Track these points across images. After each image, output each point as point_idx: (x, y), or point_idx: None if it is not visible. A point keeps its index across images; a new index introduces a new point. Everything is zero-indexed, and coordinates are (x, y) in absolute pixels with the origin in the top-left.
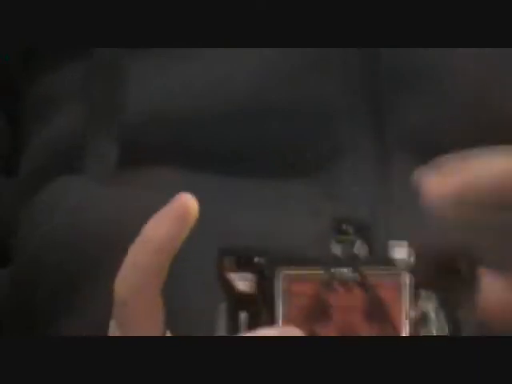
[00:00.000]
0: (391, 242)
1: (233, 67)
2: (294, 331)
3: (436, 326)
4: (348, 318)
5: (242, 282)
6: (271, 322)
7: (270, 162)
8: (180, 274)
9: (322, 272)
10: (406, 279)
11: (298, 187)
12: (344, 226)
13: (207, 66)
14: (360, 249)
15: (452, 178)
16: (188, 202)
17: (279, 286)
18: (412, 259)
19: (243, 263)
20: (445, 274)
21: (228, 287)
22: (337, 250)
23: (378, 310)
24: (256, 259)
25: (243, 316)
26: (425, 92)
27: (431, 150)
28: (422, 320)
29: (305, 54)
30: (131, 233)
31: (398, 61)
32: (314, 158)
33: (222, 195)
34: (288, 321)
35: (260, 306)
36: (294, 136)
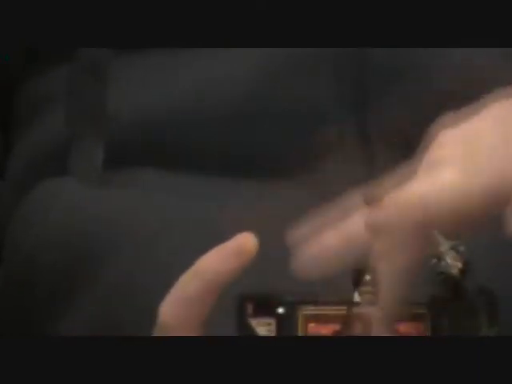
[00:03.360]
0: None
1: (224, 69)
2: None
3: None
4: None
5: (263, 328)
6: None
7: (259, 163)
8: None
9: (342, 312)
10: (428, 320)
11: (285, 187)
12: (367, 277)
13: (198, 67)
14: None
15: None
16: (246, 242)
17: (298, 328)
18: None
19: (264, 308)
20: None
21: (248, 333)
22: (359, 298)
23: None
24: (277, 303)
25: None
26: (413, 92)
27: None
28: None
29: (293, 56)
30: (125, 233)
31: (385, 61)
32: (301, 158)
33: (212, 196)
34: None
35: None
36: (283, 136)
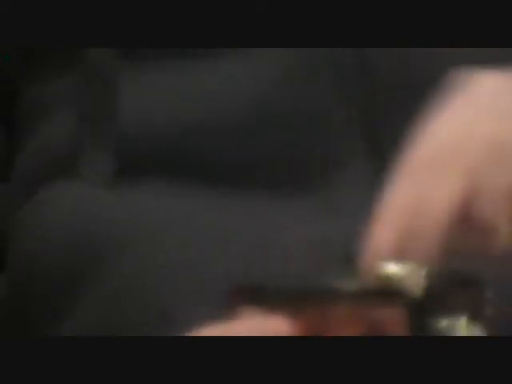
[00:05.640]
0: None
1: (229, 79)
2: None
3: None
4: None
5: None
6: None
7: (267, 175)
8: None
9: (326, 305)
10: (411, 310)
11: (294, 200)
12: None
13: (203, 77)
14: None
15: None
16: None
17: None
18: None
19: (255, 299)
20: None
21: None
22: (348, 285)
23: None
24: (267, 294)
25: None
26: (422, 103)
27: None
28: None
29: (301, 66)
30: (127, 234)
31: (385, 61)
32: (310, 170)
33: (217, 206)
34: None
35: None
36: (291, 148)
